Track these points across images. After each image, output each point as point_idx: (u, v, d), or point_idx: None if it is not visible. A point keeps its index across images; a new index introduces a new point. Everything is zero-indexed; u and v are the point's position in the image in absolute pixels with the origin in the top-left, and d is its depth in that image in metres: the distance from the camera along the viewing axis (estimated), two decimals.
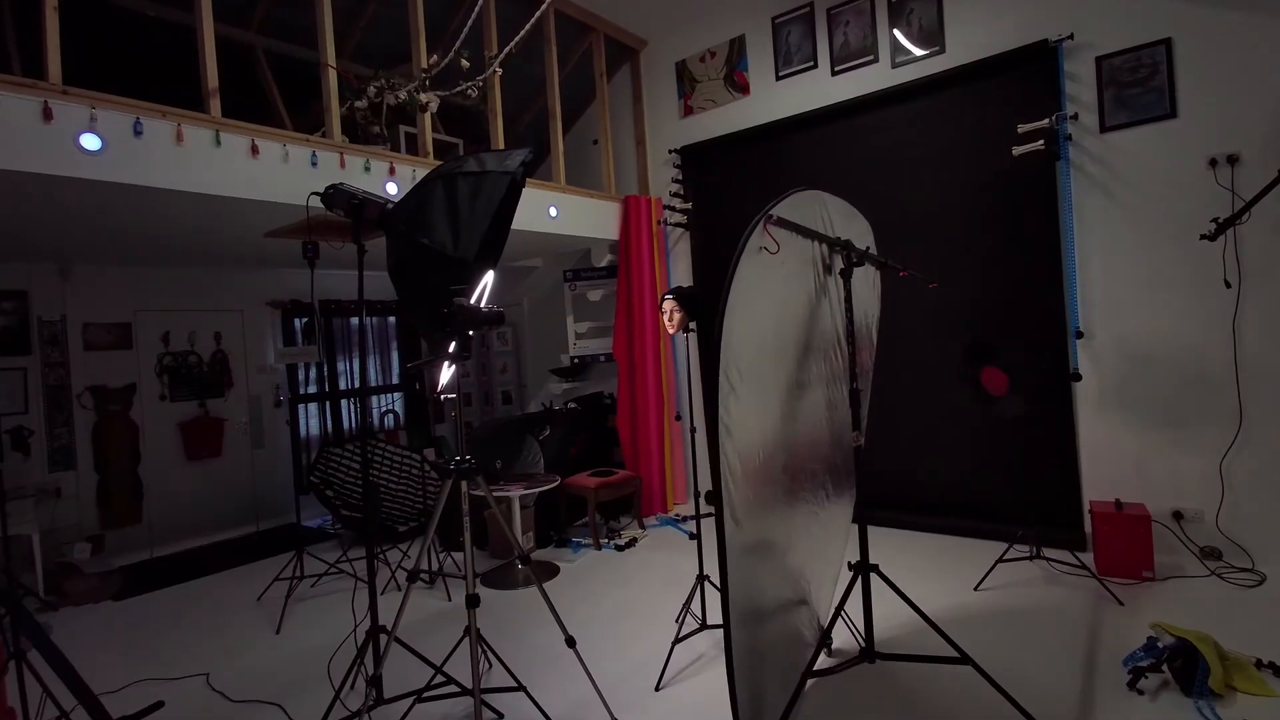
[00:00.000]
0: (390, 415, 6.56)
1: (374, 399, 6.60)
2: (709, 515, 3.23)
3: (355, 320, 6.40)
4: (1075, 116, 3.86)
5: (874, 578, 2.40)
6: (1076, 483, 4.02)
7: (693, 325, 2.95)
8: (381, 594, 4.00)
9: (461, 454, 2.10)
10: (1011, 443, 4.17)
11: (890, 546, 4.19)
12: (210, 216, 3.57)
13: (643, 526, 5.02)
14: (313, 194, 2.38)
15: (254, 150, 3.24)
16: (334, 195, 2.36)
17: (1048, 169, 3.97)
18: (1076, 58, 3.92)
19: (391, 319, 6.78)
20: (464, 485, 2.10)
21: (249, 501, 5.60)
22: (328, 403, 6.02)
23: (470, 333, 2.12)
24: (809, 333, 2.29)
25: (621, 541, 4.68)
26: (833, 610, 2.74)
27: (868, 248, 2.51)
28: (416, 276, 2.31)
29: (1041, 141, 3.78)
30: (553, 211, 4.91)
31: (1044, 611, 3.20)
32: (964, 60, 4.28)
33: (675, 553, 4.49)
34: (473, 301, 2.34)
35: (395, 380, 6.85)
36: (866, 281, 2.70)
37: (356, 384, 6.27)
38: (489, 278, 2.62)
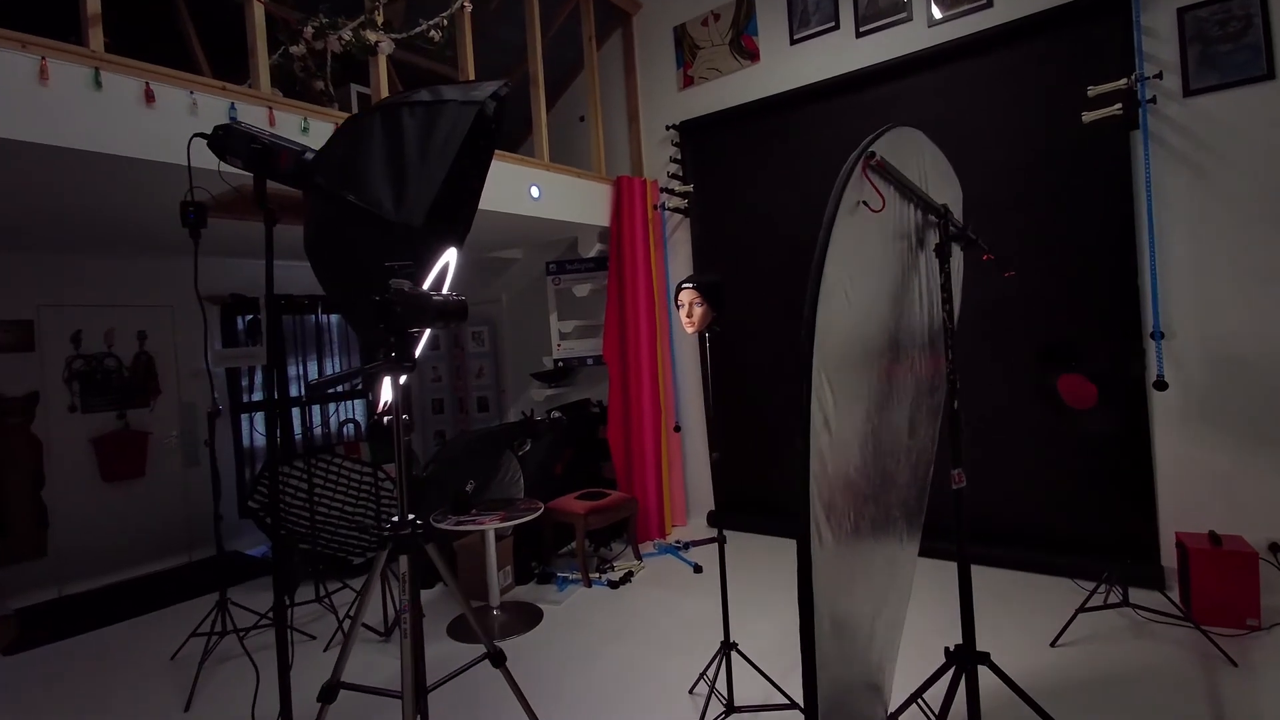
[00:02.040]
0: (350, 425, 5.81)
1: (327, 407, 5.85)
2: (713, 541, 2.61)
3: (312, 317, 5.64)
4: (1160, 76, 3.26)
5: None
6: (1152, 509, 3.43)
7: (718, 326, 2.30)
8: (325, 650, 3.31)
9: (402, 511, 1.39)
10: (1076, 462, 3.58)
11: (937, 584, 3.55)
12: (91, 182, 2.81)
13: (639, 556, 4.34)
14: (196, 135, 1.68)
15: (148, 96, 2.51)
16: (225, 138, 1.65)
17: (1118, 141, 3.38)
18: (1154, 9, 3.33)
19: None
20: (404, 561, 1.36)
21: (180, 528, 4.82)
22: (275, 412, 5.23)
23: (414, 331, 1.42)
24: (897, 330, 1.64)
25: (615, 576, 4.00)
26: (909, 698, 2.10)
27: (964, 221, 1.87)
28: (341, 250, 1.61)
29: (1119, 106, 3.19)
30: (535, 192, 4.22)
31: (1147, 678, 2.58)
32: (1015, 15, 3.67)
33: (680, 590, 3.82)
34: (425, 287, 1.66)
35: (358, 384, 6.08)
36: (954, 264, 2.05)
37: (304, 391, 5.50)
38: (450, 257, 1.93)
